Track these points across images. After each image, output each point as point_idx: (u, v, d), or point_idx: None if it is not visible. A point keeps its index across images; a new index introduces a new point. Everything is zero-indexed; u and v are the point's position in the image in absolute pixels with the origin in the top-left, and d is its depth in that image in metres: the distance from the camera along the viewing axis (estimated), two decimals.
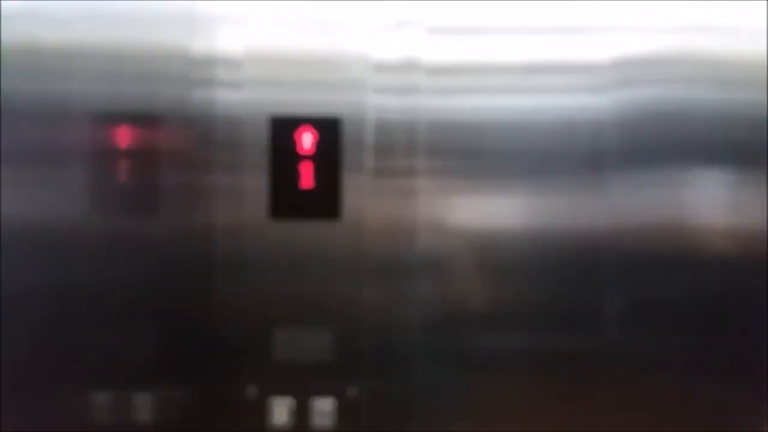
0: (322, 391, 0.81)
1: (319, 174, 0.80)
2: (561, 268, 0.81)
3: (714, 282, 0.82)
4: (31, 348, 0.80)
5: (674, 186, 0.82)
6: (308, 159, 0.80)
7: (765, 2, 0.81)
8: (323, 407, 0.81)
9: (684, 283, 0.82)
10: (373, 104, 0.80)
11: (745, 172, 0.82)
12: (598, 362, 0.82)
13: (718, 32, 0.82)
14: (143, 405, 0.81)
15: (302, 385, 0.81)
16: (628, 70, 0.81)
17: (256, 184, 0.79)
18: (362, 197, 0.80)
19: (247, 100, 0.79)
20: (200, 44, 0.79)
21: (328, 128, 0.79)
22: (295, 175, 0.80)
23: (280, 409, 0.81)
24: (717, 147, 0.82)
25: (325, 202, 0.80)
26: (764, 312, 0.82)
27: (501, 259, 0.81)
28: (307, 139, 0.79)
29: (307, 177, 0.80)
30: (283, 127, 0.79)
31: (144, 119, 0.79)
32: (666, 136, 0.82)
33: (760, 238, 0.81)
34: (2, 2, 0.78)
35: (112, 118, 0.79)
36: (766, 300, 0.82)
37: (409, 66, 0.80)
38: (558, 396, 0.82)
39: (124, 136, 0.79)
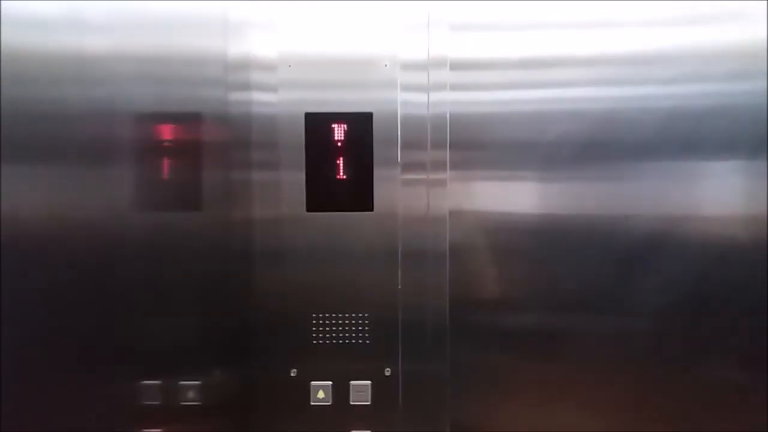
0: (360, 372, 0.87)
1: (352, 168, 0.84)
2: (582, 252, 0.86)
3: None
4: (87, 335, 0.86)
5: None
6: (341, 154, 0.84)
7: None
8: (361, 386, 0.87)
9: None
10: (402, 101, 0.84)
11: None
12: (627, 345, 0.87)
13: None
14: (195, 386, 0.87)
15: (341, 366, 0.87)
16: (642, 65, 0.84)
17: (293, 179, 0.85)
18: (393, 189, 0.85)
19: (282, 100, 0.84)
20: (237, 49, 0.83)
21: (360, 124, 0.84)
22: (329, 170, 0.84)
23: (321, 389, 0.87)
24: None
25: (358, 194, 0.85)
26: None
27: (522, 245, 0.86)
28: (340, 135, 0.84)
29: (340, 171, 0.85)
30: (318, 124, 0.84)
31: (186, 120, 0.84)
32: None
33: None
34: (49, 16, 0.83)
35: (157, 118, 0.84)
36: None
37: (435, 64, 0.84)
38: (588, 376, 0.87)
39: (169, 135, 0.84)
